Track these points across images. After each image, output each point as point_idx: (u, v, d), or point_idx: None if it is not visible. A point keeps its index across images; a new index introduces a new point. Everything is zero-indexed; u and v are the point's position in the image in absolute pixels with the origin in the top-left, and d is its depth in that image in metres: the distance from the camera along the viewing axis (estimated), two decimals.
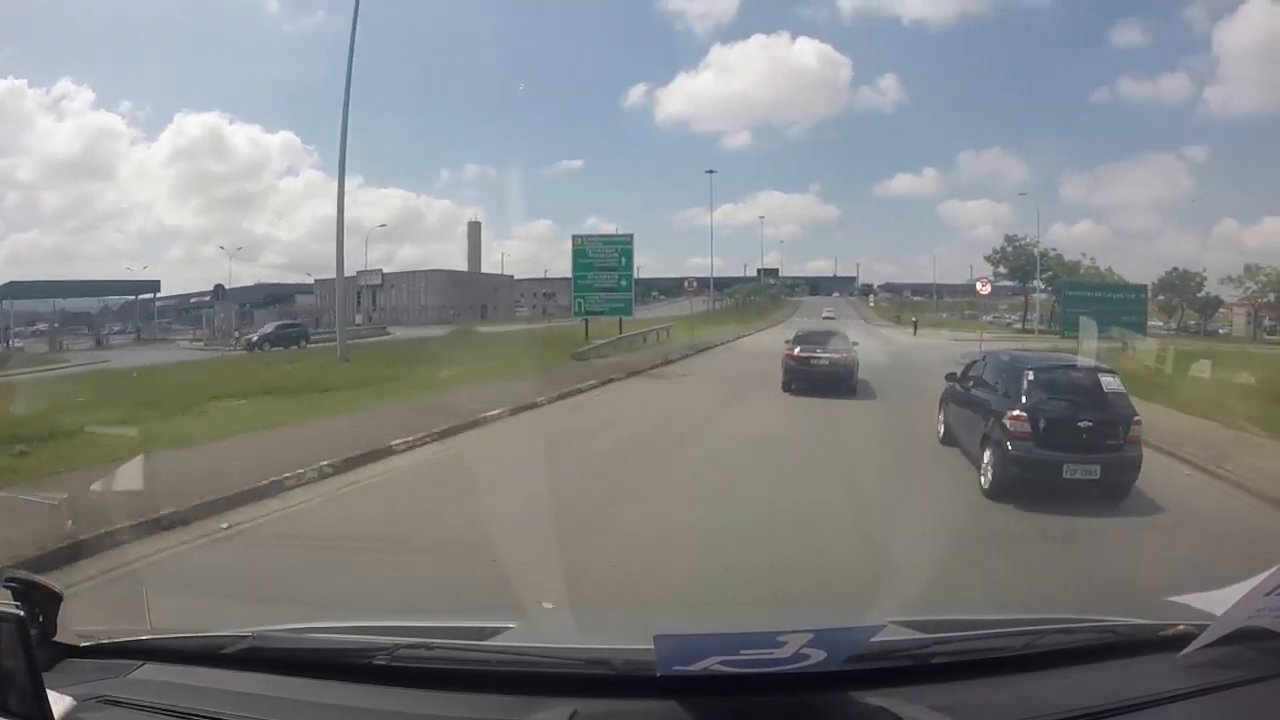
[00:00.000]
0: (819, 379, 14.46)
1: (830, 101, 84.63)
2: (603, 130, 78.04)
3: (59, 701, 1.26)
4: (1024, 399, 7.38)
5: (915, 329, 40.01)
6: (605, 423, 11.87)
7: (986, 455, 7.49)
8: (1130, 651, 1.59)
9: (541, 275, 67.07)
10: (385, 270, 60.16)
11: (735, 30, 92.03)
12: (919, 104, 67.38)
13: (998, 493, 7.20)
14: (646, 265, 72.36)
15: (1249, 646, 1.49)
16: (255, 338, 32.11)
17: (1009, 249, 50.51)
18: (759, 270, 70.25)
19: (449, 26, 77.19)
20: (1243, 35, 65.15)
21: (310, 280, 60.57)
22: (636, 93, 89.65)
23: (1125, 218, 75.10)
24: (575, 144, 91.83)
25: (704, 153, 77.64)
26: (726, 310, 57.88)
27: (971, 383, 9.15)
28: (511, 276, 67.71)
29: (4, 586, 1.39)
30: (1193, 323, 52.71)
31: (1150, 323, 51.87)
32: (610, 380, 16.78)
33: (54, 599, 1.49)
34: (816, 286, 77.13)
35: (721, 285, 62.69)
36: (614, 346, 23.68)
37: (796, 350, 14.85)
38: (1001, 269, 50.74)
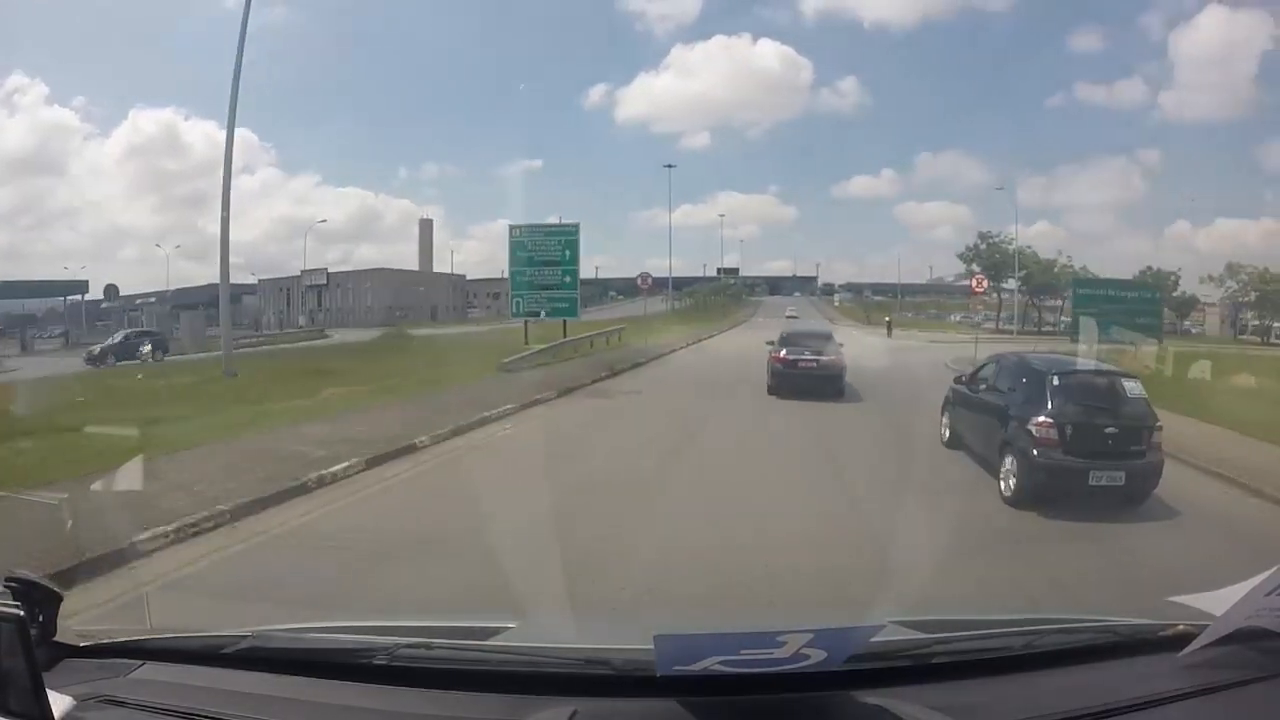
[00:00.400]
0: (807, 382, 13.93)
1: (790, 103, 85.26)
2: (563, 130, 78.08)
3: (59, 701, 1.27)
4: (1050, 404, 7.17)
5: (890, 330, 37.12)
6: (495, 487, 7.60)
7: (1008, 462, 7.29)
8: (1130, 651, 1.59)
9: (499, 275, 65.64)
10: (334, 270, 57.99)
11: (696, 31, 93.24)
12: (878, 106, 68.42)
13: (1021, 500, 7.03)
14: (606, 265, 71.68)
15: (1249, 646, 1.48)
16: (98, 350, 27.27)
17: (982, 246, 48.08)
18: (719, 269, 69.04)
19: (408, 24, 75.88)
20: (1198, 42, 67.24)
21: (254, 280, 58.17)
22: (597, 93, 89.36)
23: (1080, 219, 76.94)
24: (535, 143, 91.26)
25: (664, 153, 78.39)
26: (686, 310, 56.51)
27: (983, 385, 8.91)
28: (464, 276, 65.48)
29: (4, 586, 1.39)
30: (1167, 323, 52.17)
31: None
32: (535, 402, 13.16)
33: (54, 599, 1.49)
34: (776, 286, 76.51)
35: (681, 285, 62.30)
36: (553, 354, 20.76)
37: (783, 353, 14.27)
38: (975, 266, 47.59)
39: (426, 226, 66.31)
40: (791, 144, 76.14)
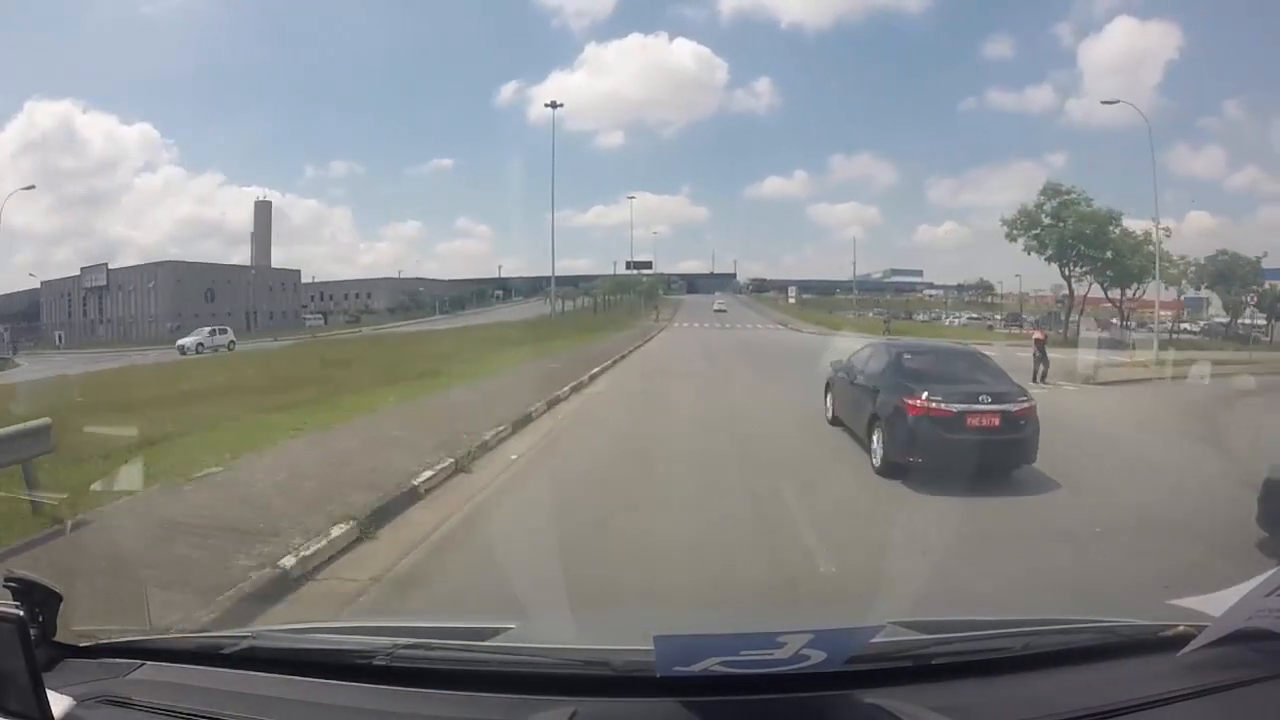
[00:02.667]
0: (981, 454, 7.10)
1: (705, 103, 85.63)
2: (475, 128, 77.34)
3: (59, 701, 1.27)
4: None
5: (1045, 367, 16.69)
6: None
7: None
8: (1130, 651, 1.59)
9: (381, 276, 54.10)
10: (117, 267, 44.25)
11: (612, 29, 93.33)
12: (793, 107, 69.48)
13: None
14: (515, 267, 67.71)
15: (1249, 646, 1.49)
16: None
17: (1046, 208, 30.72)
18: (629, 263, 59.31)
19: (315, 14, 73.23)
20: (1105, 51, 69.50)
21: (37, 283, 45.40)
22: (509, 90, 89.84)
23: (987, 219, 78.61)
24: (446, 142, 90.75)
25: (577, 152, 78.15)
26: (576, 315, 43.89)
27: None
28: (298, 272, 52.71)
29: (4, 586, 1.39)
30: (1220, 321, 41.49)
31: (1188, 325, 43.24)
32: None
33: (54, 599, 1.49)
34: (694, 284, 71.82)
35: (583, 283, 56.44)
36: None
37: (923, 398, 7.33)
38: (1031, 238, 31.34)
39: (264, 210, 52.33)
40: (705, 144, 76.96)
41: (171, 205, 65.37)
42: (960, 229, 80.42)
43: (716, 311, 48.71)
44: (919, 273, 67.74)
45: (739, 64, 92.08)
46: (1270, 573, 1.41)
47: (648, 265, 61.16)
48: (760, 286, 71.92)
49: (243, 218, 74.47)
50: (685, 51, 71.86)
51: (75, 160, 69.72)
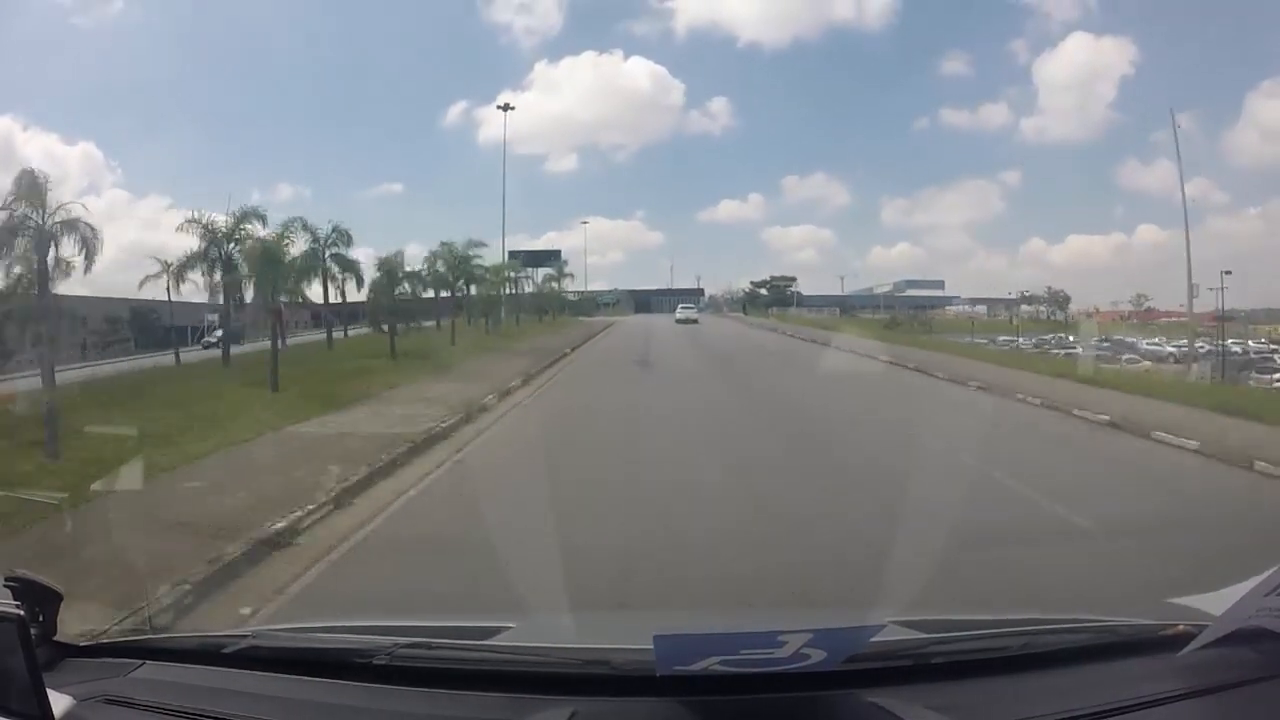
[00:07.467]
0: None
1: (660, 124, 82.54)
2: (425, 151, 73.85)
3: (59, 701, 1.27)
4: None
5: None
6: None
7: None
8: (1130, 651, 1.59)
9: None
10: None
11: (564, 48, 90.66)
12: (748, 128, 67.65)
13: None
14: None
15: (1249, 646, 1.48)
16: None
17: None
18: (511, 253, 36.96)
19: (261, 33, 69.84)
20: (1060, 67, 70.24)
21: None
22: (457, 111, 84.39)
23: (940, 238, 78.33)
24: (397, 165, 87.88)
25: (528, 176, 74.27)
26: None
27: None
28: None
29: (4, 586, 1.39)
30: None
31: None
32: None
33: (54, 598, 1.49)
34: (644, 301, 56.50)
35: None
36: None
37: None
38: None
39: None
40: (660, 167, 75.49)
41: (115, 230, 59.58)
42: (914, 250, 79.91)
43: (680, 323, 35.30)
44: (940, 284, 62.24)
45: (695, 84, 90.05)
46: (1270, 572, 1.41)
47: (556, 254, 43.32)
48: (781, 297, 52.78)
49: (190, 243, 72.47)
50: (641, 71, 69.44)
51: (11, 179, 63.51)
